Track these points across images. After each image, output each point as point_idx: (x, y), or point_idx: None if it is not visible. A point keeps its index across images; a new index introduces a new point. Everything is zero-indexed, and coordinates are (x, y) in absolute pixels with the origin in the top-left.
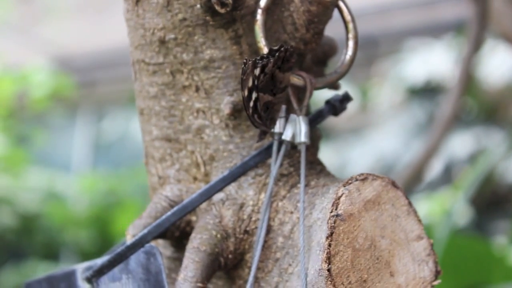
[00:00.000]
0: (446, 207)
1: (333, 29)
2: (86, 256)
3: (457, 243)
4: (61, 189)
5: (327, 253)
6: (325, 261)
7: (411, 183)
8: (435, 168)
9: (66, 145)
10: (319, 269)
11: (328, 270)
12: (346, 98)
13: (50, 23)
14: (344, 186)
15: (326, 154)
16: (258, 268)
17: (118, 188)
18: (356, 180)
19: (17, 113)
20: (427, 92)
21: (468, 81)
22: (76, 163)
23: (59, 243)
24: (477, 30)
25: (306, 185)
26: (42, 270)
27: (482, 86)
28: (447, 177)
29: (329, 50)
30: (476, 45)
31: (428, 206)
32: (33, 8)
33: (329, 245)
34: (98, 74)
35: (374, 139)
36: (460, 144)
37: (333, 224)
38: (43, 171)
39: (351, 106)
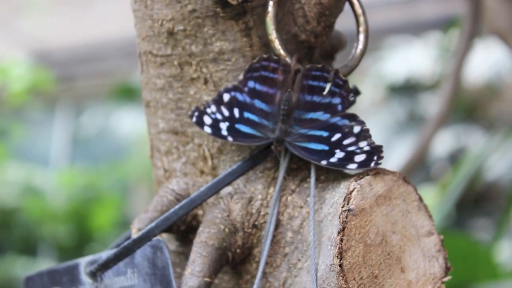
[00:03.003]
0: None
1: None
2: (64, 251)
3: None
4: (39, 183)
5: (339, 248)
6: (337, 256)
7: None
8: None
9: (44, 140)
10: (331, 264)
11: (340, 265)
12: (356, 91)
13: (29, 17)
14: (356, 181)
15: None
16: (266, 263)
17: (96, 183)
18: (368, 175)
19: None
20: (407, 89)
21: (460, 78)
22: (55, 158)
23: (37, 237)
24: (470, 27)
25: (316, 180)
26: (20, 265)
27: (462, 84)
28: (427, 175)
29: (337, 44)
30: (470, 42)
31: None
32: (12, 2)
33: (341, 240)
34: (78, 68)
35: None
36: (440, 142)
37: (345, 219)
38: (21, 166)
39: None
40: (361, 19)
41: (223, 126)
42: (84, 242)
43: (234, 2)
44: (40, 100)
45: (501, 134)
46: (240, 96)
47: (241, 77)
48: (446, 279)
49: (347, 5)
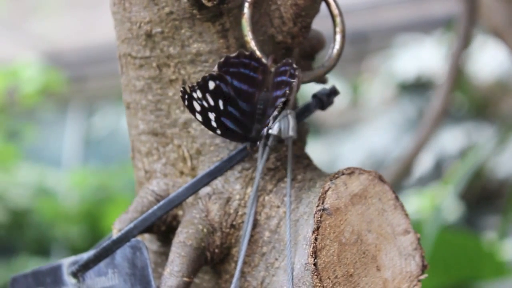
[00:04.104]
0: (436, 203)
1: (321, 24)
2: (76, 251)
3: (446, 238)
4: (52, 184)
5: (313, 247)
6: (311, 255)
7: (401, 178)
8: (425, 164)
9: (56, 141)
10: (305, 263)
11: (314, 264)
12: (334, 92)
13: (40, 19)
14: (331, 180)
15: (317, 150)
16: (244, 263)
17: (108, 184)
18: (343, 174)
19: (7, 109)
20: (417, 87)
21: (458, 76)
22: (67, 159)
23: (49, 238)
24: (466, 25)
25: (293, 179)
26: (32, 265)
27: (472, 81)
28: (437, 172)
29: (317, 44)
30: (465, 41)
31: (418, 201)
32: (23, 3)
33: (316, 239)
34: (89, 69)
35: (364, 135)
36: (451, 139)
37: (319, 218)
38: (34, 167)
39: (341, 102)
40: (338, 19)
41: (212, 116)
42: (96, 243)
43: (210, 4)
44: (52, 101)
45: (503, 130)
46: (224, 88)
47: (215, 69)
48: (422, 277)
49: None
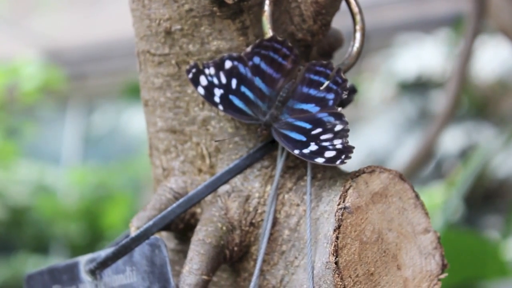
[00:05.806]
0: (437, 202)
1: (339, 22)
2: (76, 249)
3: (450, 238)
4: (51, 182)
5: (334, 245)
6: (333, 254)
7: (409, 178)
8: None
9: (56, 138)
10: (327, 262)
11: (336, 263)
12: (353, 90)
13: (40, 16)
14: (352, 179)
15: None
16: (263, 261)
17: (108, 182)
18: (364, 172)
19: (7, 106)
20: (418, 87)
21: (466, 75)
22: (66, 156)
23: (49, 236)
24: (475, 24)
25: (313, 178)
26: (31, 263)
27: (473, 81)
28: (438, 172)
29: (335, 42)
30: (474, 40)
31: None
32: (24, 1)
33: (337, 237)
34: (89, 67)
35: (364, 134)
36: (451, 139)
37: (340, 217)
38: (33, 164)
39: None
40: (358, 17)
41: (217, 92)
42: (96, 241)
43: (231, 1)
44: (52, 99)
45: (510, 130)
46: (242, 68)
47: (248, 49)
48: (442, 276)
49: (344, 4)
